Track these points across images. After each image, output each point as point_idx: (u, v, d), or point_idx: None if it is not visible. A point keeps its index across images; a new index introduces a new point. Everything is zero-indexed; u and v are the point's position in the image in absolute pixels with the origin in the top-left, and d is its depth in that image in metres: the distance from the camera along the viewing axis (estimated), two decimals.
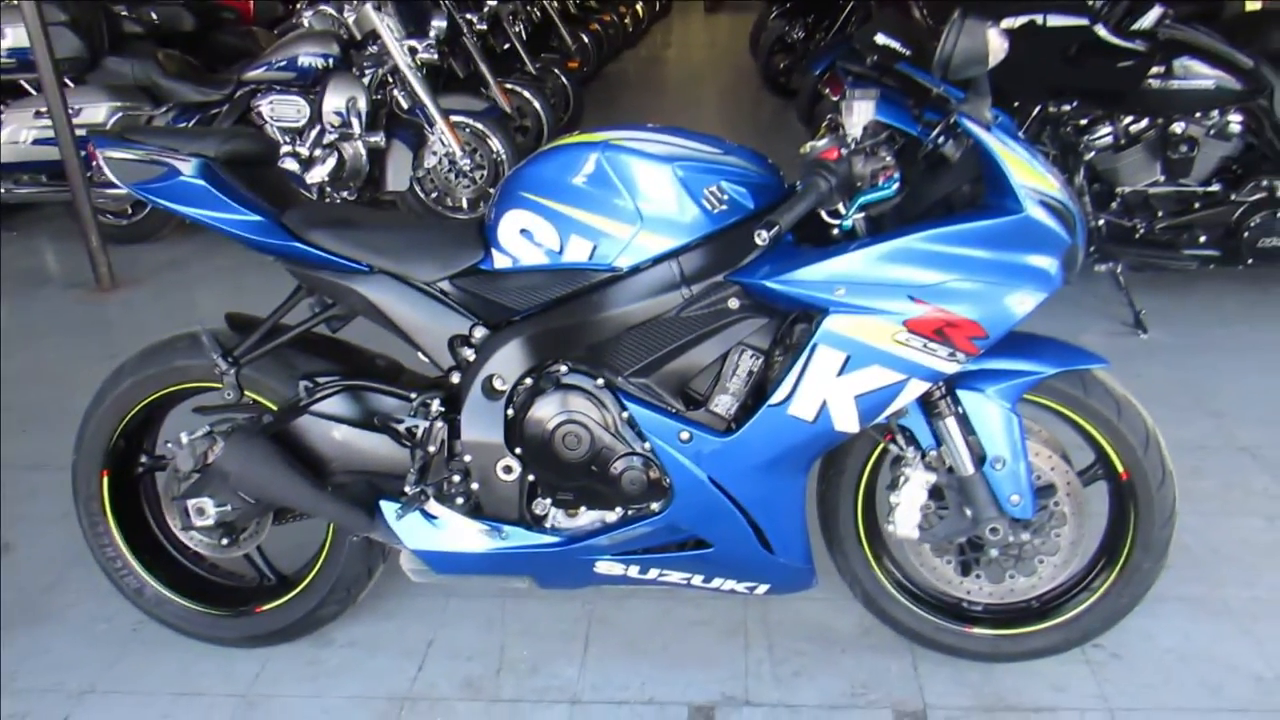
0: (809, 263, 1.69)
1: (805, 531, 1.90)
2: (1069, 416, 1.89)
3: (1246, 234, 3.56)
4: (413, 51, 4.72)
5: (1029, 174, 1.67)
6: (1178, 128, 3.48)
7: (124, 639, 2.23)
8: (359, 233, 1.91)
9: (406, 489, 1.93)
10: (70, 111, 4.67)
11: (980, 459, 1.84)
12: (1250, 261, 3.61)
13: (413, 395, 1.96)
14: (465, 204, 5.01)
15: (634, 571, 1.96)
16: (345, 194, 4.77)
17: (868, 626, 2.15)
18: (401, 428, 1.97)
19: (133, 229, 5.14)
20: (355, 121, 4.67)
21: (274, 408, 2.01)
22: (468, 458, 1.92)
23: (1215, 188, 3.59)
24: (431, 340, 1.93)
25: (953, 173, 1.79)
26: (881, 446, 1.94)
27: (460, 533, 1.95)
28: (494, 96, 5.74)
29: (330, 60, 4.79)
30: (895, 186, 1.67)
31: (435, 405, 1.94)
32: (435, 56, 4.82)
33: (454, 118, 4.91)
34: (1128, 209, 3.62)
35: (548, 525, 1.96)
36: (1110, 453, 1.90)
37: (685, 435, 1.78)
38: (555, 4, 8.64)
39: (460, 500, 1.95)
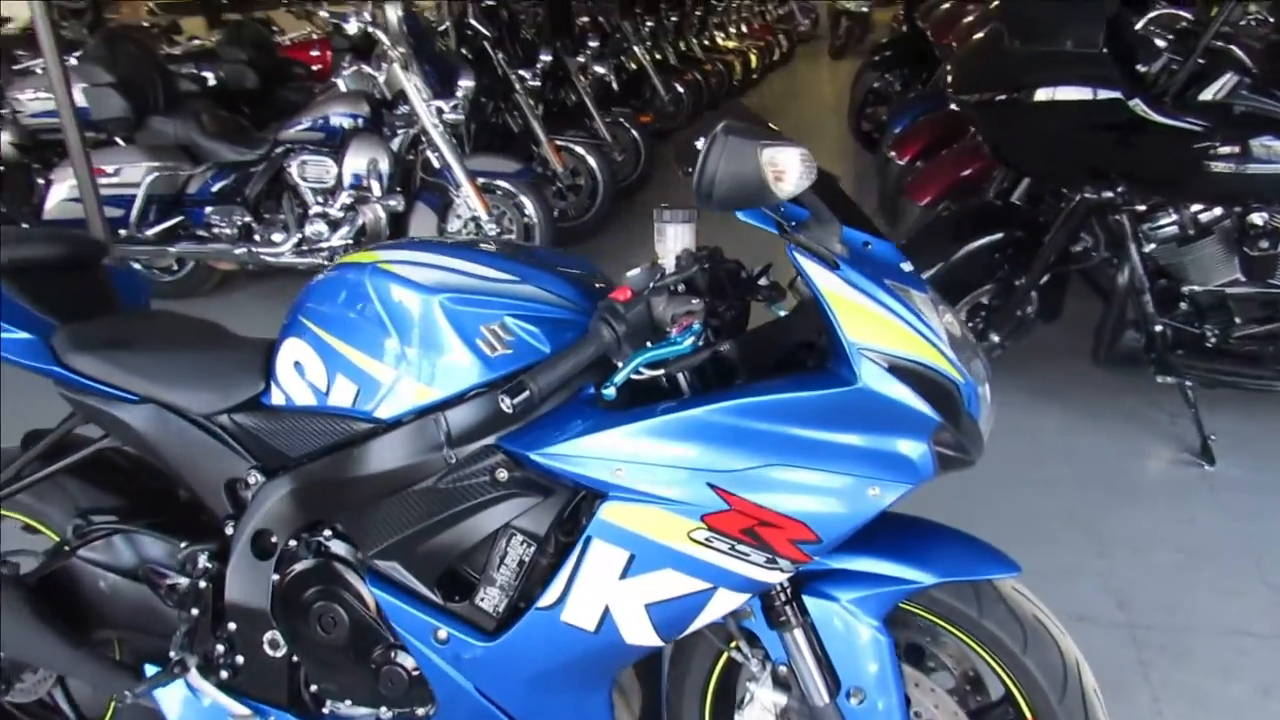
0: (596, 430, 1.32)
1: None
2: (965, 642, 1.43)
3: None
4: (439, 112, 4.54)
5: (878, 329, 1.26)
6: (1258, 218, 2.88)
7: None
8: (130, 356, 1.65)
9: (171, 653, 1.65)
10: (110, 171, 4.73)
11: (837, 687, 1.41)
12: None
13: (184, 545, 1.68)
14: None
15: None
16: None
17: None
18: (166, 583, 1.69)
19: (177, 285, 5.16)
20: (375, 184, 4.53)
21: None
22: (232, 625, 1.62)
23: None
24: (206, 482, 1.65)
25: (793, 323, 1.39)
26: (725, 654, 1.53)
27: (224, 714, 1.65)
28: (545, 155, 5.54)
29: (359, 120, 4.67)
30: (690, 341, 1.28)
31: (203, 560, 1.65)
32: (461, 117, 4.63)
33: (483, 179, 4.70)
34: (1198, 312, 3.02)
35: (326, 712, 1.63)
36: (1015, 694, 1.43)
37: (442, 634, 1.43)
38: (647, 53, 8.44)
39: (225, 674, 1.65)
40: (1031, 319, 3.33)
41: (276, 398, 1.56)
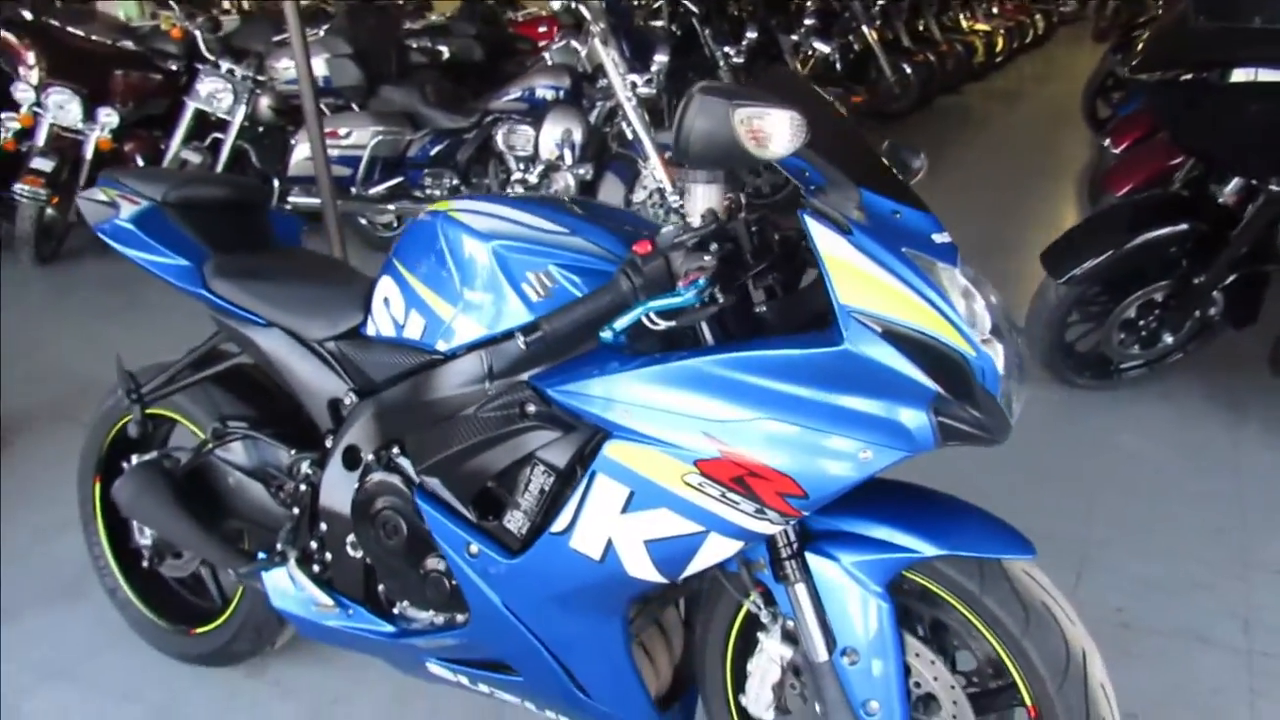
0: (608, 373, 1.41)
1: (635, 682, 1.59)
2: (968, 619, 1.41)
3: None
4: (633, 85, 4.71)
5: (879, 295, 1.27)
6: None
7: (111, 632, 2.41)
8: (262, 286, 1.90)
9: (277, 545, 1.91)
10: (342, 133, 5.25)
11: (834, 645, 1.43)
12: None
13: (294, 453, 1.92)
14: None
15: (464, 680, 1.77)
16: None
17: None
18: (278, 485, 1.94)
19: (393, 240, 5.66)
20: (568, 153, 4.76)
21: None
22: (323, 526, 1.84)
23: None
24: (314, 400, 1.88)
25: (810, 287, 1.42)
26: (745, 606, 1.58)
27: (313, 601, 1.88)
28: None
29: (560, 92, 4.93)
30: (693, 294, 1.33)
31: (305, 467, 1.89)
32: (653, 91, 4.78)
33: (672, 153, 4.83)
34: None
35: (395, 613, 1.83)
36: (1015, 676, 1.39)
37: (473, 549, 1.57)
38: (875, 32, 8.25)
39: (316, 568, 1.88)
40: (1215, 322, 3.06)
41: (370, 329, 1.75)
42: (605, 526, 1.42)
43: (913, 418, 1.27)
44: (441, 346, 1.60)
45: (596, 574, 1.46)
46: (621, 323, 1.34)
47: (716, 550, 1.39)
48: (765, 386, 1.30)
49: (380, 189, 5.33)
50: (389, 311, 1.70)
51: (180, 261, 1.96)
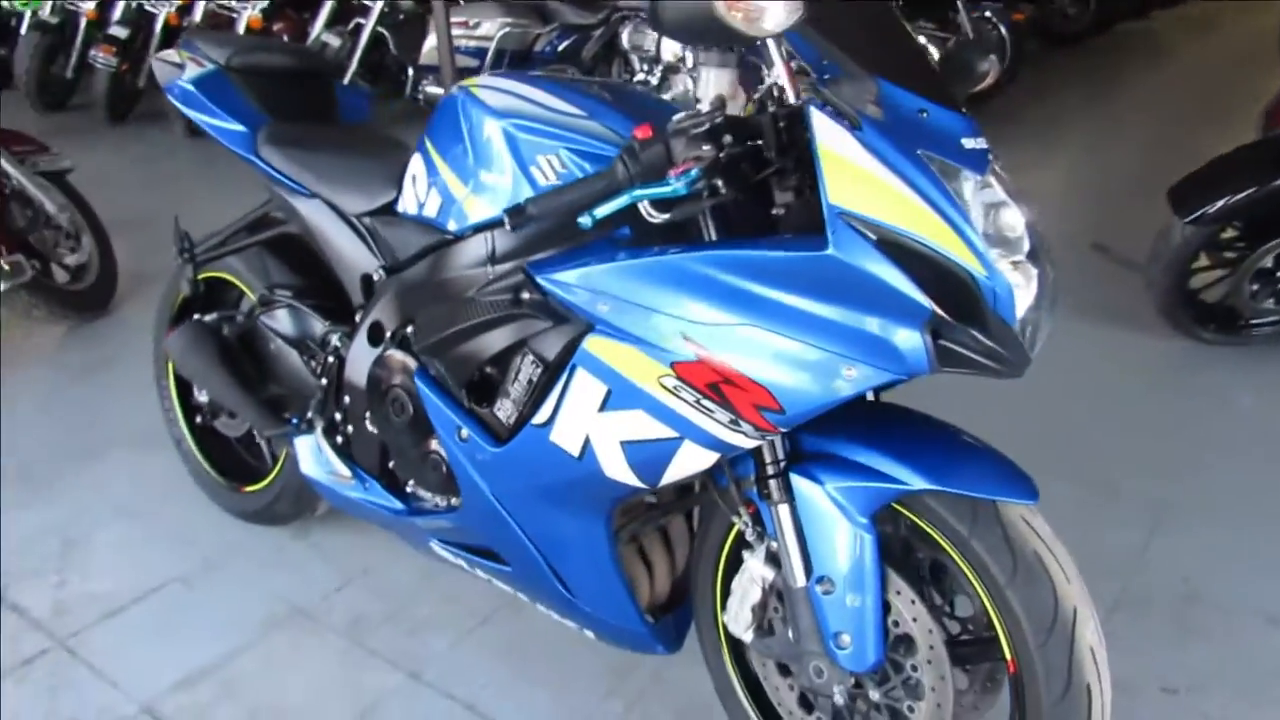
0: (596, 263, 1.35)
1: (620, 587, 1.56)
2: (956, 562, 1.31)
3: None
4: None
5: (880, 199, 1.15)
6: None
7: (178, 481, 2.55)
8: (308, 156, 1.92)
9: (308, 413, 1.95)
10: (471, 24, 5.24)
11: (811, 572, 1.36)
12: None
13: (328, 325, 1.95)
14: None
15: (463, 564, 1.78)
16: None
17: None
18: (311, 355, 1.97)
19: None
20: (689, 55, 4.60)
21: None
22: (346, 399, 1.87)
23: None
24: (349, 274, 1.89)
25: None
26: (735, 520, 1.51)
27: (334, 471, 1.92)
28: None
29: None
30: (682, 184, 1.24)
31: (335, 340, 1.91)
32: None
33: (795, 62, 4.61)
34: None
35: (407, 491, 1.85)
36: (998, 629, 1.29)
37: (464, 434, 1.55)
38: None
39: (339, 439, 1.92)
40: None
41: (400, 205, 1.74)
42: (583, 423, 1.38)
43: (905, 337, 1.15)
44: (452, 226, 1.57)
45: (575, 471, 1.42)
46: (602, 210, 1.27)
47: (692, 459, 1.32)
48: (747, 290, 1.22)
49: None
50: (414, 189, 1.68)
51: (235, 126, 1.99)
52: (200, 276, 2.22)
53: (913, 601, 1.35)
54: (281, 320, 2.04)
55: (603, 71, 5.17)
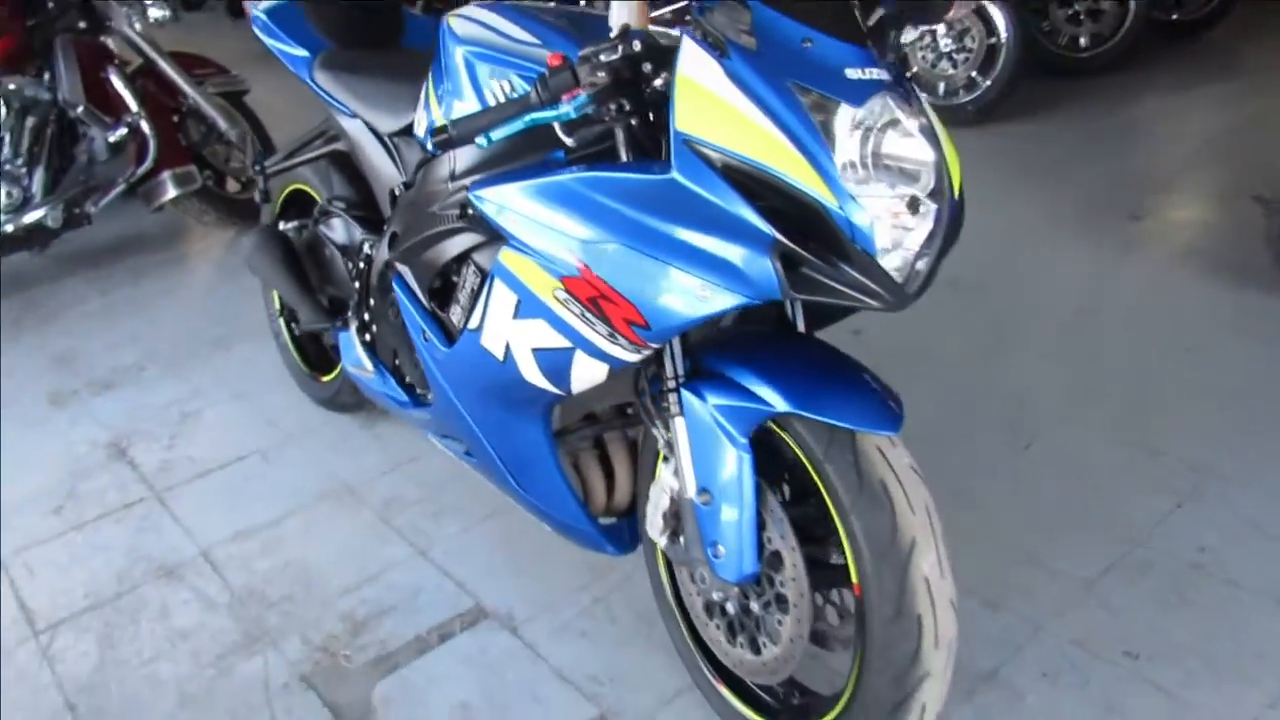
0: (511, 181, 1.46)
1: (563, 486, 1.69)
2: (819, 485, 1.35)
3: None
4: None
5: (730, 127, 1.18)
6: None
7: (280, 371, 2.89)
8: (353, 80, 2.11)
9: (348, 313, 2.19)
10: None
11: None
12: None
13: (364, 234, 2.16)
14: (941, 91, 4.57)
15: (453, 455, 1.97)
16: None
17: None
18: (350, 261, 2.20)
19: None
20: None
21: None
22: (371, 301, 2.08)
23: None
24: (381, 188, 2.09)
25: None
26: (655, 431, 1.60)
27: (363, 364, 2.15)
28: None
29: None
30: (569, 109, 1.32)
31: (367, 248, 2.12)
32: None
33: None
34: None
35: (408, 383, 2.04)
36: (846, 551, 1.32)
37: (426, 335, 1.72)
38: None
39: (367, 336, 2.14)
40: None
41: (415, 126, 1.90)
42: (503, 330, 1.51)
43: (752, 262, 1.20)
44: (429, 145, 1.71)
45: (501, 374, 1.56)
46: (498, 132, 1.37)
47: (587, 369, 1.43)
48: (615, 209, 1.29)
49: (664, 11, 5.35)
50: (420, 111, 1.83)
51: (299, 52, 2.21)
52: (290, 186, 2.50)
53: (782, 520, 1.40)
54: (336, 229, 2.28)
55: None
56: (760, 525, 1.41)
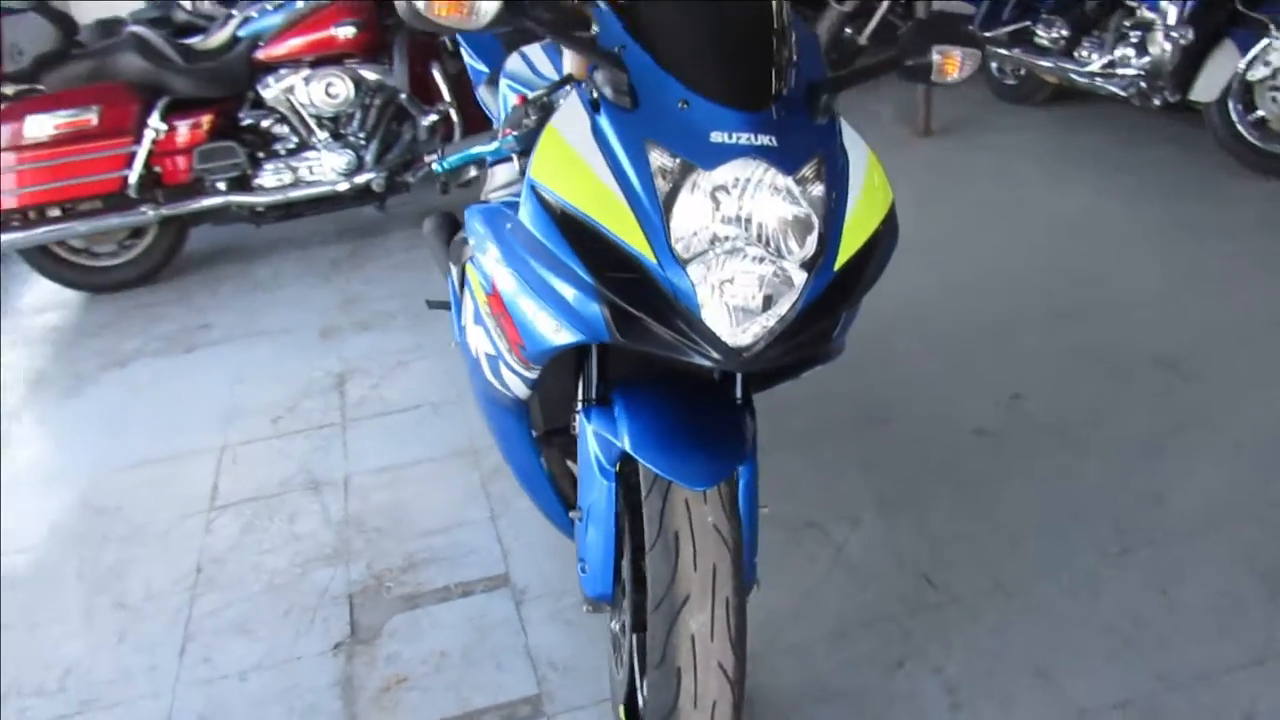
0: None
1: (546, 484, 1.86)
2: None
3: None
4: None
5: (573, 180, 1.25)
6: None
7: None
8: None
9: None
10: None
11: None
12: None
13: None
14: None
15: None
16: (1155, 100, 4.19)
17: None
18: None
19: (1015, 90, 5.40)
20: (1172, 9, 3.99)
21: None
22: None
23: None
24: None
25: None
26: None
27: None
28: None
29: None
30: (495, 146, 1.47)
31: None
32: None
33: None
34: None
35: None
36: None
37: (461, 324, 1.96)
38: None
39: None
40: None
41: None
42: (470, 332, 1.71)
43: (584, 305, 1.29)
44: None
45: (476, 370, 1.76)
46: (450, 159, 1.56)
47: (511, 378, 1.59)
48: (509, 239, 1.44)
49: (1002, 31, 5.09)
50: None
51: (480, 66, 2.53)
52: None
53: (623, 553, 1.46)
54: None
55: (1102, 25, 4.67)
56: (619, 554, 1.49)
